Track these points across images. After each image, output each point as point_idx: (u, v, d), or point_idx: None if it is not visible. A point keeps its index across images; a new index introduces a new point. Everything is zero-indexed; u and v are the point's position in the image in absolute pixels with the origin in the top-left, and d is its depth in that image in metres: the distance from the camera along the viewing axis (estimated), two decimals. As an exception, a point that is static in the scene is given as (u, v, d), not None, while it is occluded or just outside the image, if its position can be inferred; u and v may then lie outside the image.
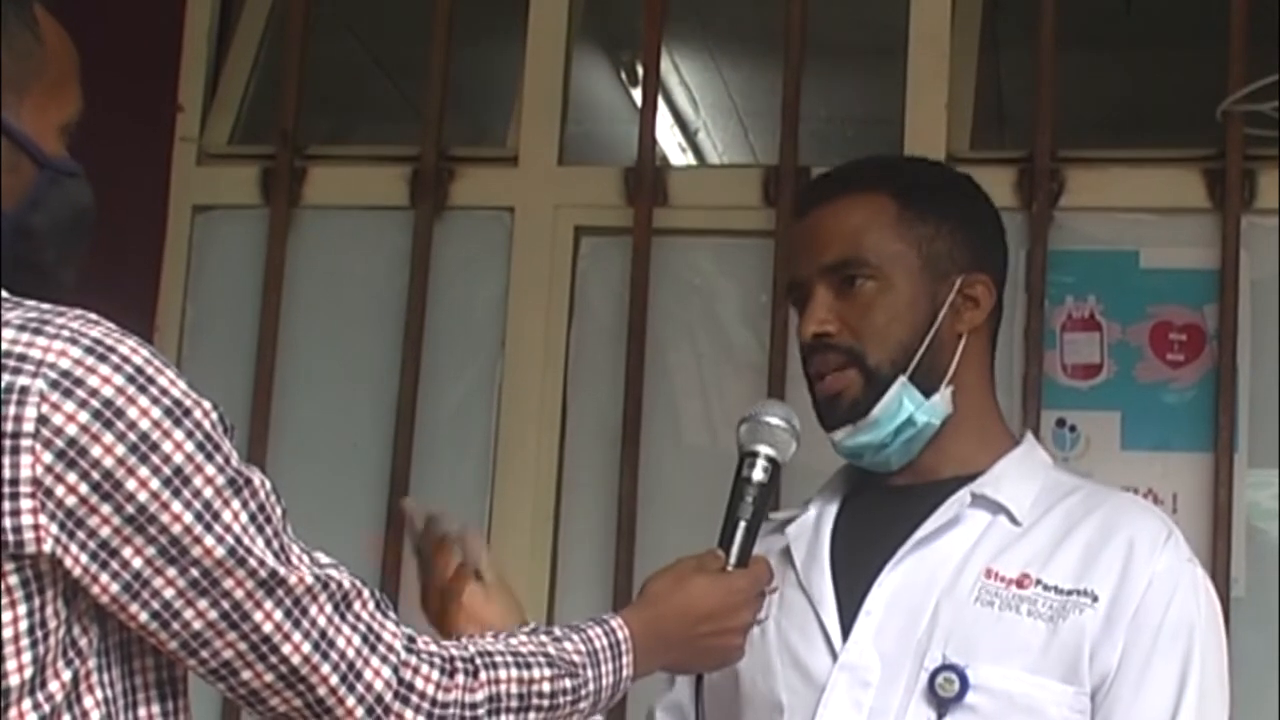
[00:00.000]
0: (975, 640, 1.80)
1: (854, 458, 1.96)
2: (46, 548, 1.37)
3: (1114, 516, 1.87)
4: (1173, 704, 1.77)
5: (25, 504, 1.36)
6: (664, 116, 4.50)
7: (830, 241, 1.94)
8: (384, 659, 1.52)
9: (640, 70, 3.26)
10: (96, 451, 1.37)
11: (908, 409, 1.90)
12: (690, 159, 5.03)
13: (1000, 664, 1.79)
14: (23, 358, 1.37)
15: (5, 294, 1.44)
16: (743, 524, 1.83)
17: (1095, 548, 1.84)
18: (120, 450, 1.37)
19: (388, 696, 1.52)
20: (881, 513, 1.94)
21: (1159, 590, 1.80)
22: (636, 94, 3.41)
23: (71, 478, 1.36)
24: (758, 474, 1.85)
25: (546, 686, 1.63)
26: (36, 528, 1.36)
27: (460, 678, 1.56)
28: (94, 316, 1.42)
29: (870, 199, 1.94)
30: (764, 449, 1.86)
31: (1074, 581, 1.82)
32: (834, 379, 1.92)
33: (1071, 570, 1.83)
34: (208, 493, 1.41)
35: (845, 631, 1.86)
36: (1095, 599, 1.80)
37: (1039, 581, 1.82)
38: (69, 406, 1.36)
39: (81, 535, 1.38)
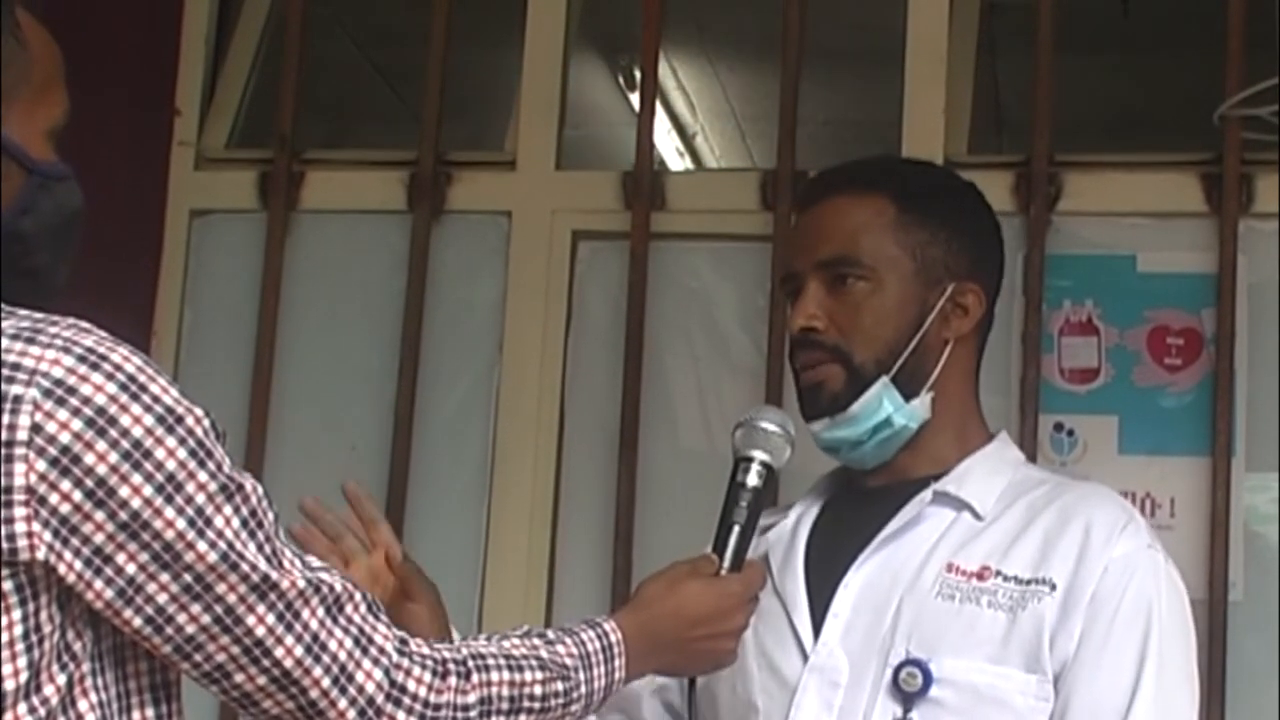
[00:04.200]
0: (937, 634, 1.82)
1: (831, 451, 1.98)
2: (40, 555, 1.37)
3: (1073, 505, 1.88)
4: (1130, 687, 1.77)
5: (19, 512, 1.36)
6: (662, 121, 4.51)
7: (827, 238, 1.96)
8: (376, 661, 1.53)
9: (638, 74, 3.26)
10: (90, 459, 1.37)
11: (886, 409, 1.92)
12: (688, 163, 5.04)
13: (962, 656, 1.81)
14: (16, 366, 1.38)
15: (-1, 303, 1.45)
16: (736, 528, 1.84)
17: (1053, 536, 1.85)
18: (113, 458, 1.38)
19: (379, 699, 1.52)
20: (853, 515, 1.96)
21: (1115, 575, 1.81)
22: (634, 98, 3.41)
23: (65, 485, 1.37)
24: (752, 479, 1.86)
25: (538, 689, 1.63)
26: (30, 535, 1.37)
27: (452, 680, 1.57)
28: (86, 325, 1.43)
29: (870, 200, 1.96)
30: (759, 454, 1.87)
31: (1033, 571, 1.83)
32: (817, 370, 1.94)
33: (1030, 560, 1.84)
34: (200, 499, 1.42)
35: (816, 633, 1.88)
36: (1053, 587, 1.81)
37: (999, 573, 1.84)
38: (62, 415, 1.37)
39: (75, 542, 1.38)
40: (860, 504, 1.97)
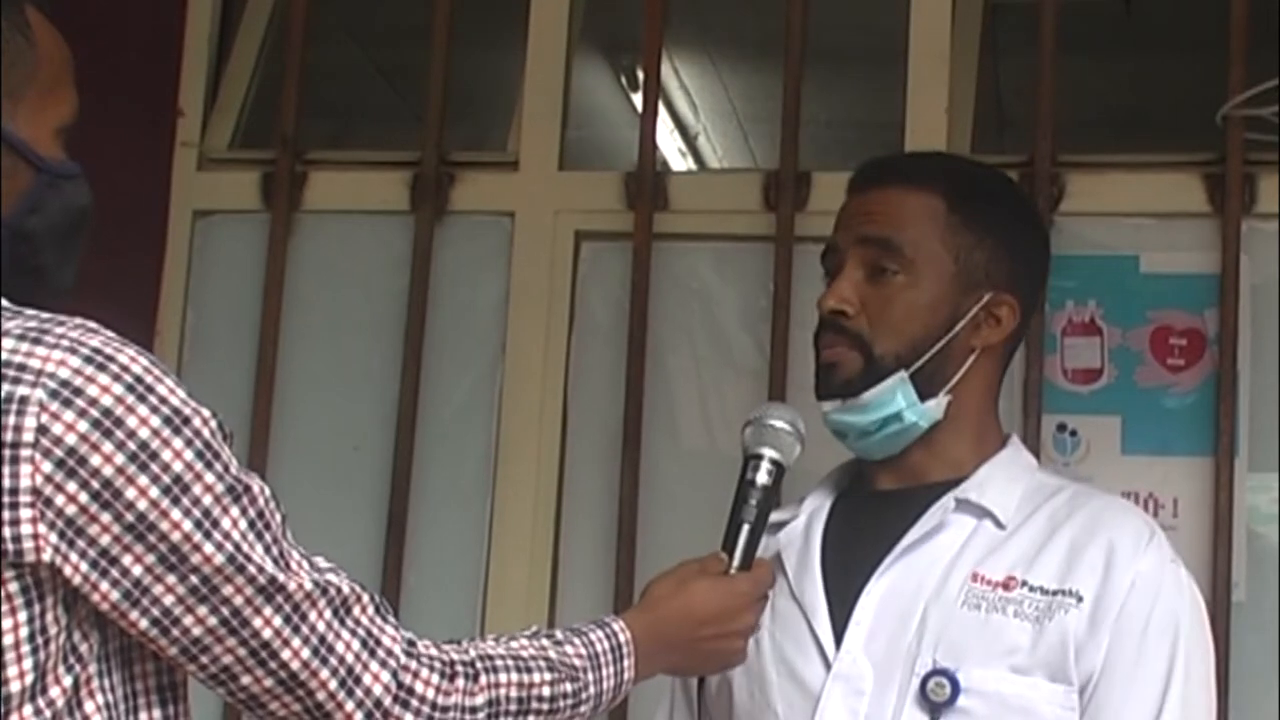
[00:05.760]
0: (964, 644, 1.81)
1: (839, 436, 1.97)
2: (46, 556, 1.37)
3: (1097, 517, 1.88)
4: (1158, 703, 1.78)
5: (25, 513, 1.36)
6: (664, 121, 4.51)
7: (873, 219, 1.94)
8: (383, 663, 1.52)
9: (640, 75, 3.25)
10: (96, 460, 1.37)
11: (899, 404, 1.91)
12: (690, 164, 5.03)
13: (989, 666, 1.80)
14: (22, 367, 1.38)
15: (5, 302, 1.45)
16: (746, 527, 1.84)
17: (1079, 548, 1.84)
18: (120, 459, 1.38)
19: (387, 701, 1.52)
20: (870, 518, 1.95)
21: (1143, 590, 1.81)
22: (637, 99, 3.41)
23: (71, 487, 1.37)
24: (761, 477, 1.86)
25: (546, 690, 1.63)
26: (36, 537, 1.37)
27: (460, 681, 1.57)
28: (94, 325, 1.43)
29: (922, 196, 1.94)
30: (768, 452, 1.87)
31: (1058, 582, 1.83)
32: (835, 352, 1.93)
33: (1056, 571, 1.84)
34: (207, 500, 1.42)
35: (838, 640, 1.87)
36: (1079, 599, 1.81)
37: (1025, 583, 1.83)
38: (68, 416, 1.37)
39: (81, 544, 1.38)
40: (876, 507, 1.96)
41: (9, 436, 1.36)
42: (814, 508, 1.99)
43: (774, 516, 1.99)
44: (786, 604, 1.92)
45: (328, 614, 1.49)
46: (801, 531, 1.97)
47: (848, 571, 1.91)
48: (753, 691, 1.92)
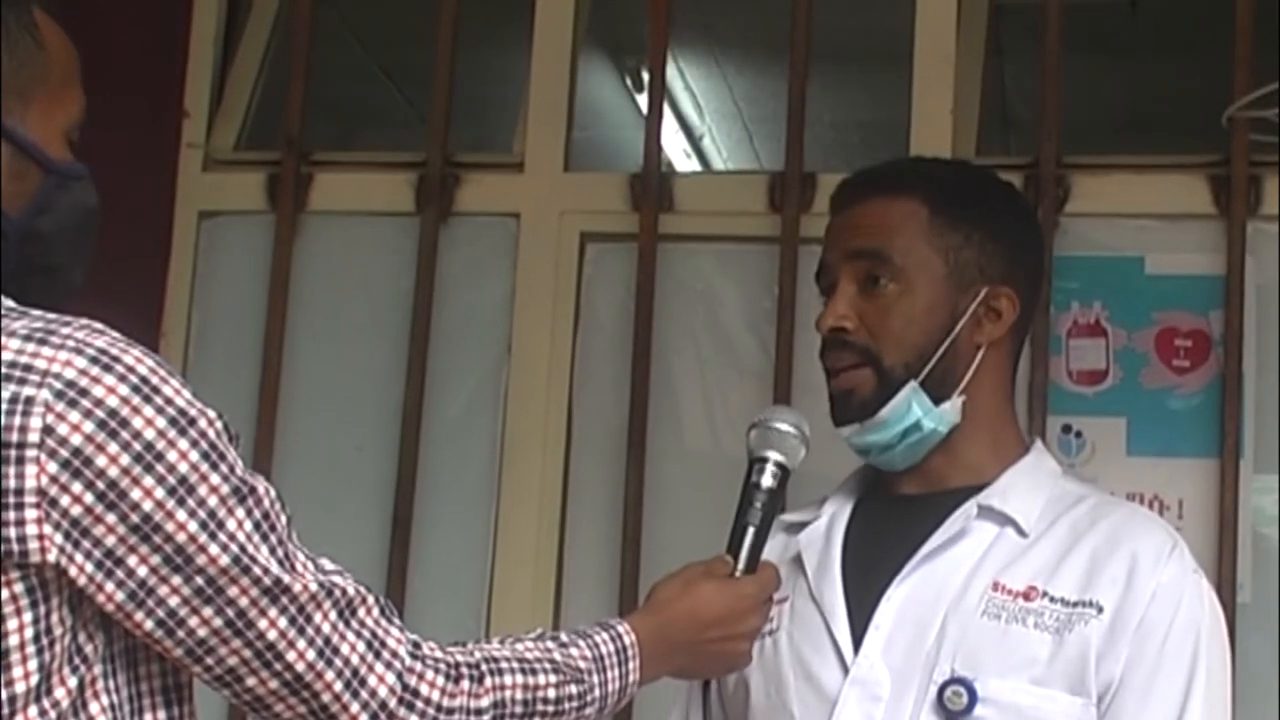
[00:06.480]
0: (983, 653, 1.81)
1: (862, 454, 1.98)
2: (51, 557, 1.37)
3: (1120, 528, 1.87)
4: (1177, 713, 1.78)
5: (30, 514, 1.36)
6: (669, 122, 4.51)
7: (859, 232, 1.95)
8: (388, 665, 1.53)
9: (646, 76, 3.26)
10: (101, 461, 1.37)
11: (915, 414, 1.91)
12: (695, 165, 5.04)
13: (1007, 677, 1.80)
14: (28, 368, 1.38)
15: (11, 303, 1.45)
16: (751, 530, 1.84)
17: (1100, 559, 1.84)
18: (125, 460, 1.38)
19: (392, 703, 1.52)
20: (892, 523, 1.94)
21: (1163, 601, 1.81)
22: (642, 100, 3.42)
23: (76, 487, 1.37)
24: (767, 480, 1.86)
25: (552, 693, 1.63)
26: (41, 537, 1.37)
27: (465, 684, 1.57)
28: (100, 326, 1.43)
29: (904, 203, 1.95)
30: (773, 455, 1.87)
31: (1079, 593, 1.82)
32: (847, 376, 1.93)
33: (1077, 582, 1.83)
34: (212, 501, 1.42)
35: (856, 644, 1.86)
36: (1100, 610, 1.80)
37: (1045, 594, 1.83)
38: (74, 417, 1.37)
39: (86, 545, 1.38)
40: (898, 512, 1.95)
41: (14, 437, 1.36)
42: (835, 509, 1.99)
43: (795, 517, 2.00)
44: (805, 605, 1.92)
45: (333, 615, 1.50)
46: (823, 533, 1.97)
47: (868, 576, 1.90)
48: (769, 691, 1.91)
